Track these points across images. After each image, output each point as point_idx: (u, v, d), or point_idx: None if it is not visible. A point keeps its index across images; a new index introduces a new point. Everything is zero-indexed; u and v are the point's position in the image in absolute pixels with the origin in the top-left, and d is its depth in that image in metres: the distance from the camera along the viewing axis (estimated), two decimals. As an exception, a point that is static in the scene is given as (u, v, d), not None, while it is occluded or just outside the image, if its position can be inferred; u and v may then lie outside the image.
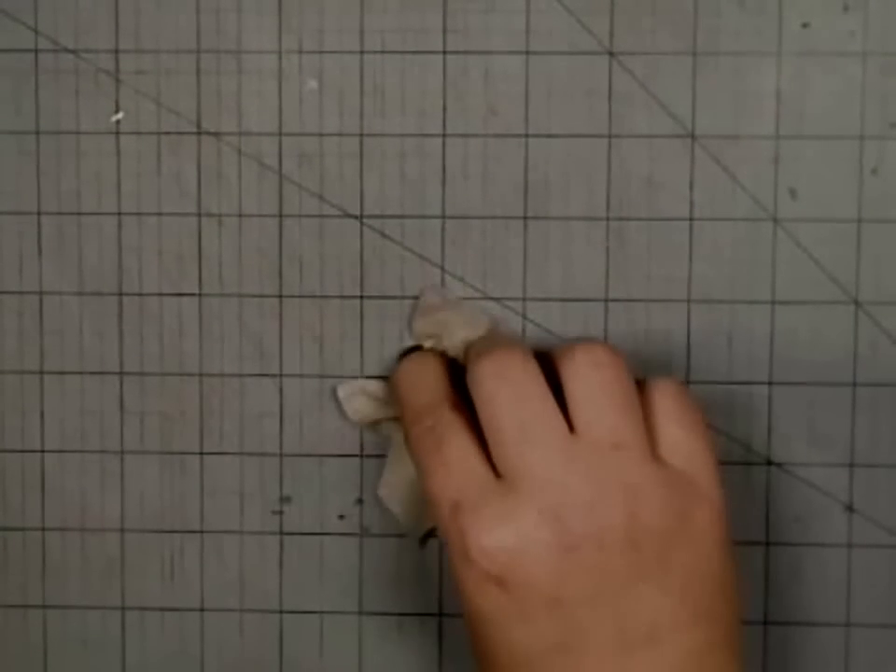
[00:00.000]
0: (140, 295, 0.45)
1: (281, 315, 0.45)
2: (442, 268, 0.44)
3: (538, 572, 0.36)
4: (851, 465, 0.44)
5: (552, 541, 0.36)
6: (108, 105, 0.44)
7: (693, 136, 0.44)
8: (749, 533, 0.44)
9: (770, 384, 0.44)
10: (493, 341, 0.42)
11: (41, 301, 0.45)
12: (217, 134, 0.44)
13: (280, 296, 0.45)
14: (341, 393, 0.44)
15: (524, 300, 0.44)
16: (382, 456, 0.45)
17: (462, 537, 0.37)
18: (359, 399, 0.44)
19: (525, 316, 0.44)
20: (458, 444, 0.38)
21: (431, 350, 0.43)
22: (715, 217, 0.44)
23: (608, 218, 0.44)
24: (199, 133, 0.44)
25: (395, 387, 0.42)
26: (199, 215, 0.45)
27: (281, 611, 0.46)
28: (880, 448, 0.44)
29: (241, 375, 0.45)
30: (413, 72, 0.44)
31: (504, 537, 0.37)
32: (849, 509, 0.44)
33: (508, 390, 0.38)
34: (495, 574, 0.37)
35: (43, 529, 0.46)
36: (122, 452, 0.46)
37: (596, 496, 0.37)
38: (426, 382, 0.41)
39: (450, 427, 0.39)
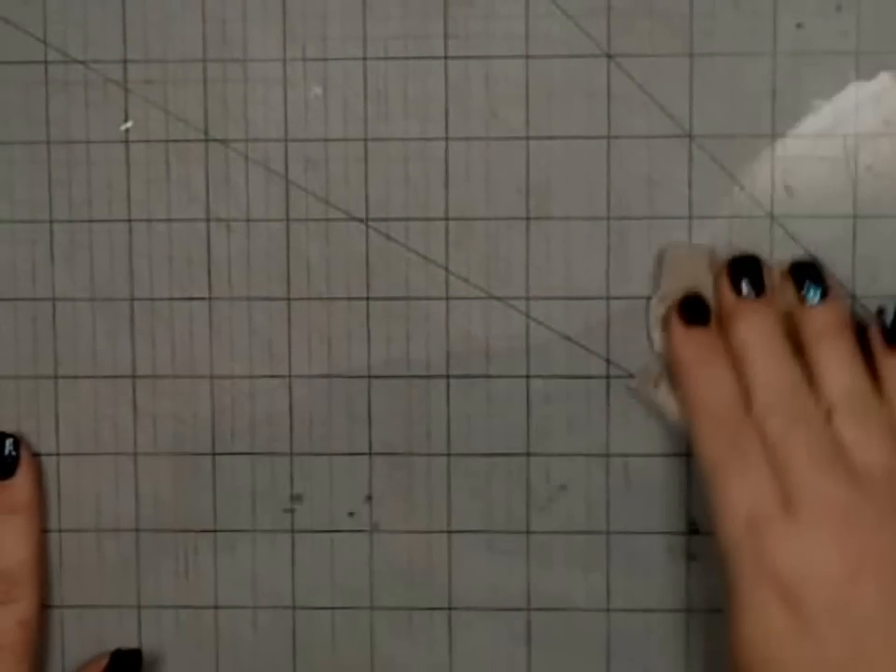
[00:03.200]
0: (151, 300, 0.46)
1: (289, 316, 0.46)
2: (446, 269, 0.45)
3: (826, 595, 0.37)
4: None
5: (841, 566, 0.37)
6: (117, 114, 0.45)
7: (690, 136, 0.44)
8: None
9: (770, 377, 0.45)
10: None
11: (54, 307, 0.46)
12: (224, 141, 0.45)
13: (288, 298, 0.46)
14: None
15: (527, 298, 0.45)
16: (390, 454, 0.46)
17: (756, 555, 0.37)
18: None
19: (528, 315, 0.45)
20: (758, 463, 0.38)
21: (708, 328, 0.41)
22: (713, 215, 0.44)
23: (608, 218, 0.45)
24: (206, 141, 0.45)
25: (681, 374, 0.41)
26: (207, 220, 0.45)
27: (294, 607, 0.47)
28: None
29: (251, 377, 0.46)
30: (415, 77, 0.45)
31: (796, 559, 0.37)
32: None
33: (799, 426, 0.39)
34: (782, 594, 0.37)
35: (60, 531, 0.47)
36: (136, 454, 0.46)
37: (881, 520, 0.37)
38: (719, 377, 0.40)
39: (752, 443, 0.39)
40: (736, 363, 0.40)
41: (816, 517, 0.37)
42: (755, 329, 0.40)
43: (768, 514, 0.38)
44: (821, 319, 0.41)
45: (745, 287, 0.41)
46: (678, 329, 0.42)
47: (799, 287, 0.41)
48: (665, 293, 0.43)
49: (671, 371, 0.42)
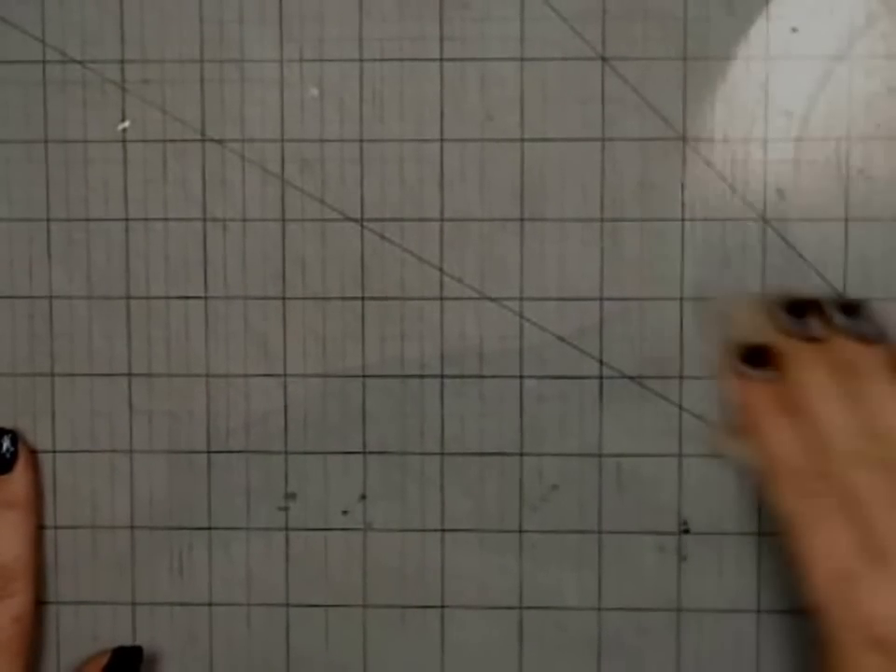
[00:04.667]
0: (147, 298, 0.46)
1: (285, 316, 0.46)
2: (441, 269, 0.45)
3: None
4: (841, 457, 0.45)
5: None
6: (115, 113, 0.45)
7: (683, 139, 0.45)
8: (741, 525, 0.45)
9: (761, 379, 0.45)
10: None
11: (51, 304, 0.46)
12: (221, 141, 0.45)
13: (283, 298, 0.46)
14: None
15: (521, 299, 0.45)
16: (384, 453, 0.46)
17: (849, 608, 0.37)
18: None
19: (522, 316, 0.45)
20: (841, 515, 0.38)
21: (772, 374, 0.41)
22: (706, 218, 0.45)
23: (602, 219, 0.45)
24: (203, 141, 0.45)
25: (751, 425, 0.41)
26: (204, 220, 0.46)
27: (287, 605, 0.47)
28: (869, 440, 0.45)
29: (246, 375, 0.46)
30: (411, 79, 0.45)
31: (889, 608, 0.37)
32: (840, 500, 0.45)
33: (879, 473, 0.38)
34: (877, 643, 0.37)
35: (55, 527, 0.47)
36: (131, 451, 0.47)
37: None
38: (788, 426, 0.40)
39: (832, 494, 0.38)
40: (802, 408, 0.40)
41: None
42: (815, 374, 0.40)
43: (855, 567, 0.38)
44: (873, 355, 0.40)
45: (798, 330, 0.41)
46: (741, 378, 0.41)
47: (847, 323, 0.41)
48: (725, 342, 0.42)
49: (739, 420, 0.42)
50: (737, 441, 0.42)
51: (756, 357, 0.41)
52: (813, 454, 0.39)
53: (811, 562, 0.38)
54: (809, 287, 0.44)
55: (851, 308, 0.41)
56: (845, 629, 0.38)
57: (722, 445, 0.43)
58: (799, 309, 0.41)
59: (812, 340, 0.41)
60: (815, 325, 0.41)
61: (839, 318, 0.41)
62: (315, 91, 0.45)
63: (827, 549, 0.38)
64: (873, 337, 0.40)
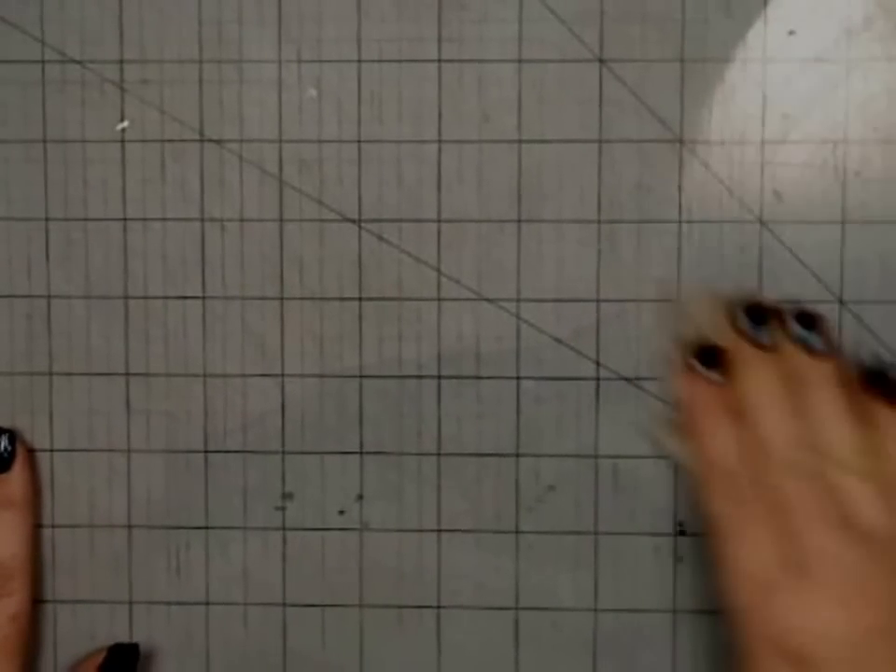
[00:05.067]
0: (145, 298, 0.46)
1: (282, 316, 0.46)
2: (438, 270, 0.45)
3: (835, 657, 0.36)
4: (837, 459, 0.45)
5: (850, 628, 0.37)
6: (114, 114, 0.46)
7: (681, 141, 0.45)
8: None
9: (757, 381, 0.45)
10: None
11: (49, 304, 0.46)
12: (219, 142, 0.45)
13: (281, 298, 0.46)
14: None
15: (518, 300, 0.45)
16: (380, 454, 0.46)
17: (765, 617, 0.37)
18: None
19: (518, 317, 0.45)
20: (766, 524, 0.38)
21: (720, 376, 0.41)
22: (703, 220, 0.45)
23: (599, 221, 0.45)
24: (202, 141, 0.46)
25: (690, 424, 0.41)
26: (202, 220, 0.46)
27: (284, 605, 0.47)
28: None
29: (244, 375, 0.46)
30: (409, 80, 0.45)
31: (805, 621, 0.37)
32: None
33: (809, 486, 0.38)
34: (792, 657, 0.37)
35: (53, 526, 0.47)
36: (129, 450, 0.47)
37: (888, 580, 0.37)
38: (727, 430, 0.40)
39: (759, 503, 0.38)
40: (744, 414, 0.40)
41: (824, 579, 0.37)
42: (763, 382, 0.40)
43: (776, 577, 0.38)
44: (823, 370, 0.40)
45: (753, 335, 0.41)
46: (690, 375, 0.41)
47: (802, 334, 0.41)
48: (681, 338, 0.42)
49: (681, 418, 0.42)
50: (677, 438, 0.42)
51: (708, 356, 0.41)
52: (748, 460, 0.39)
53: (733, 568, 0.38)
54: (805, 289, 0.44)
55: (807, 319, 0.41)
56: (759, 638, 0.37)
57: (663, 441, 0.43)
58: (759, 314, 0.41)
59: (765, 348, 0.40)
60: (771, 333, 0.41)
61: (795, 328, 0.41)
62: (313, 92, 0.45)
63: (750, 556, 0.38)
64: (824, 351, 0.40)
